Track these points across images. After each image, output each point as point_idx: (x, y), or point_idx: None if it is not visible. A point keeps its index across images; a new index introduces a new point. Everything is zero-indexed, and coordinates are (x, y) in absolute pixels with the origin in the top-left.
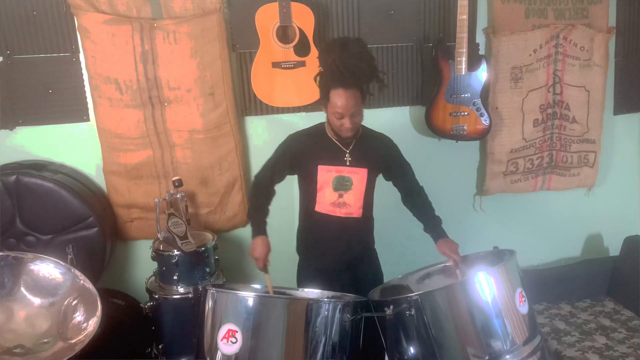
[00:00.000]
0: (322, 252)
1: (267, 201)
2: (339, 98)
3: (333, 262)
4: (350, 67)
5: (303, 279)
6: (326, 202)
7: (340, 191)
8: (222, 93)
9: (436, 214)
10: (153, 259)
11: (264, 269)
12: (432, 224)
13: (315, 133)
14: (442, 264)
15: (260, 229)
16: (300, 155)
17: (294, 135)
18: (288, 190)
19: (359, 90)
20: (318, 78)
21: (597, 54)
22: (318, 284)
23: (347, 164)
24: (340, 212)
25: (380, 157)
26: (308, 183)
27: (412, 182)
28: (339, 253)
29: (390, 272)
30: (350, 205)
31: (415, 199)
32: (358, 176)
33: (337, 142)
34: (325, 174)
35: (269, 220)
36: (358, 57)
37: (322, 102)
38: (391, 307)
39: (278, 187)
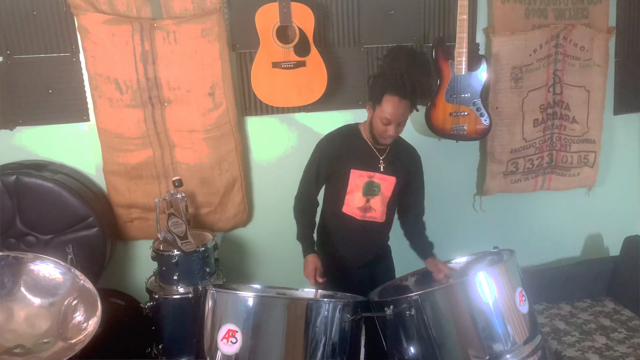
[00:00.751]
0: (342, 251)
1: (313, 215)
2: (392, 105)
3: (352, 261)
4: (413, 79)
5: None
6: (354, 205)
7: (368, 196)
8: (222, 93)
9: (430, 240)
10: (153, 259)
11: (315, 285)
12: (426, 248)
13: (350, 135)
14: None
15: (308, 247)
16: (336, 157)
17: (326, 139)
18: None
19: (411, 102)
20: (373, 80)
21: (597, 54)
22: (335, 281)
23: (381, 170)
24: (365, 217)
25: (408, 169)
26: (338, 185)
27: (421, 205)
28: (359, 253)
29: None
30: (376, 210)
31: (417, 222)
32: (387, 183)
33: (372, 146)
34: (358, 179)
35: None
36: (423, 73)
37: (371, 105)
38: (391, 307)
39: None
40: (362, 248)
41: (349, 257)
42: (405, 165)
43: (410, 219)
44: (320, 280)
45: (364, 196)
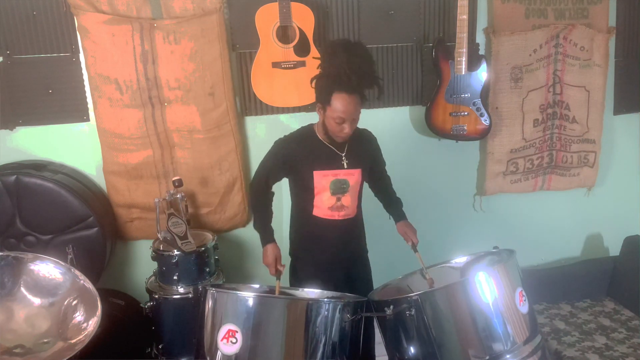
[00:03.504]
0: (319, 254)
1: (268, 204)
2: (342, 102)
3: (330, 263)
4: (357, 71)
5: (298, 281)
6: (324, 206)
7: (338, 195)
8: (222, 93)
9: (397, 197)
10: (153, 259)
11: (276, 275)
12: (395, 205)
13: (306, 137)
14: (442, 264)
15: (267, 236)
16: (293, 161)
17: (282, 141)
18: (288, 195)
19: (360, 95)
20: (317, 81)
21: (597, 54)
22: (311, 282)
23: (344, 166)
24: (338, 216)
25: (369, 153)
26: (303, 188)
27: (384, 172)
28: (336, 254)
29: (389, 272)
30: (348, 206)
31: (384, 185)
32: (354, 177)
33: (330, 146)
34: (322, 179)
35: (273, 222)
36: (364, 61)
37: (321, 106)
38: (391, 307)
39: (282, 194)
40: (339, 248)
41: (326, 260)
42: (366, 152)
43: (378, 184)
44: (280, 268)
45: (333, 195)
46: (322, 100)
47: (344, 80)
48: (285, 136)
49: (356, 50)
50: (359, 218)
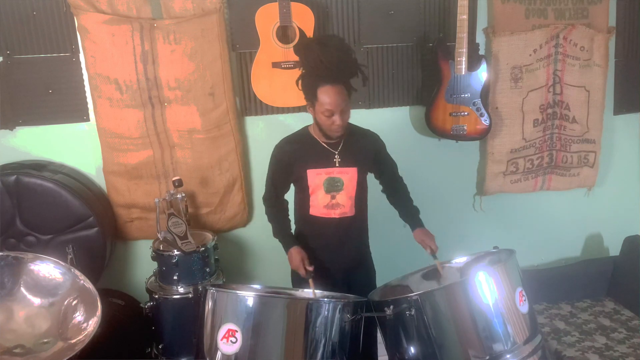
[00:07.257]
0: (318, 255)
1: (284, 214)
2: (327, 94)
3: (329, 264)
4: (334, 61)
5: (298, 283)
6: (319, 205)
7: (332, 192)
8: (222, 93)
9: (414, 204)
10: (153, 259)
11: (307, 275)
12: (411, 213)
13: (301, 138)
14: (442, 264)
15: (289, 241)
16: (291, 162)
17: (279, 144)
18: (288, 196)
19: (345, 85)
20: (301, 80)
21: (597, 54)
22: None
23: (337, 165)
24: (334, 214)
25: (368, 154)
26: (300, 188)
27: (397, 178)
28: (335, 255)
29: (390, 272)
30: (344, 205)
31: (398, 193)
32: (348, 176)
33: (324, 144)
34: (316, 177)
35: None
36: (339, 50)
37: (309, 103)
38: (391, 307)
39: None
40: (337, 248)
41: (325, 261)
42: (364, 151)
43: (390, 190)
44: (310, 268)
45: (328, 193)
46: (310, 98)
47: (324, 73)
48: (282, 139)
49: (329, 42)
50: (360, 219)
